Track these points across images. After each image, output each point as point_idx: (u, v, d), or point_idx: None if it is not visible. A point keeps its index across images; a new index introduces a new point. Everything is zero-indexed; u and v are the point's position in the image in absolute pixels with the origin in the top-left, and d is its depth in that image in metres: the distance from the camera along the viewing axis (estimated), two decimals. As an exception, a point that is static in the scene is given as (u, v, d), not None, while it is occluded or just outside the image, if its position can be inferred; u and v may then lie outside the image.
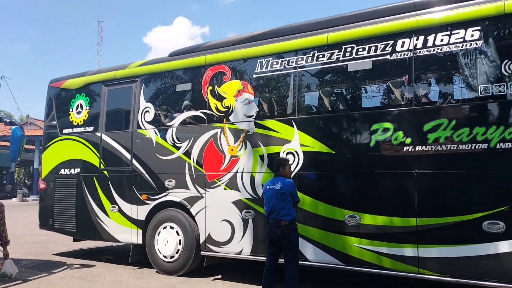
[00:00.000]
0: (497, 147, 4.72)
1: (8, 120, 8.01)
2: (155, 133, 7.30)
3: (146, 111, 7.49)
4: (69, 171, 8.20)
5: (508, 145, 4.67)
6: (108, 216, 7.65)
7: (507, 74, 4.77)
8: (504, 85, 4.77)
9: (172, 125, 7.18)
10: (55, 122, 8.59)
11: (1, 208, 6.40)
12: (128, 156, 7.54)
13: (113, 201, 7.61)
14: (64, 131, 8.43)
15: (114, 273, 7.09)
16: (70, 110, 8.40)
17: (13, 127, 7.60)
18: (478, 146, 4.82)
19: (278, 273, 5.30)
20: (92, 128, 8.05)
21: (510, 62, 4.76)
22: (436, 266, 5.01)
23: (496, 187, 4.75)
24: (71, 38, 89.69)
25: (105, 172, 7.78)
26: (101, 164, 7.83)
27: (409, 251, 5.15)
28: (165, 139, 7.16)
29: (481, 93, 4.90)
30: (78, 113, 8.28)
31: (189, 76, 7.23)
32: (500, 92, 4.79)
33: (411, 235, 5.15)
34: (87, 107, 8.20)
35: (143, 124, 7.47)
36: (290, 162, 5.85)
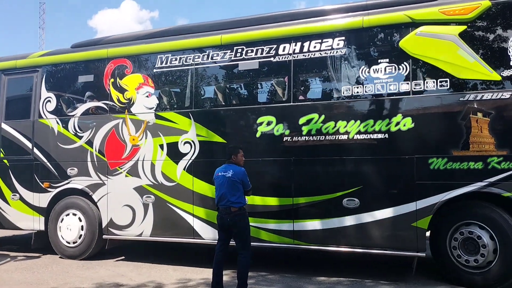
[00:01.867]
0: (354, 138, 5.75)
1: None
2: (57, 122, 7.45)
3: (47, 101, 7.58)
4: (-35, 160, 8.02)
5: (362, 136, 5.71)
6: (9, 204, 7.68)
7: (363, 78, 5.79)
8: (361, 86, 5.80)
9: (74, 115, 7.39)
10: None
11: None
12: (29, 145, 7.60)
13: (14, 190, 7.64)
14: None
15: (61, 264, 7.03)
16: (-35, 98, 8.17)
17: None
18: (340, 137, 5.81)
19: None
20: (-10, 116, 7.95)
21: (366, 67, 5.79)
22: (308, 237, 5.95)
23: (353, 171, 5.80)
24: (9, 19, 79.08)
25: (5, 161, 7.76)
26: (1, 153, 7.79)
27: (286, 225, 6.05)
28: (67, 129, 7.36)
29: (343, 93, 5.90)
30: (-26, 101, 8.10)
31: (92, 68, 7.46)
32: (358, 92, 5.81)
33: (288, 212, 6.05)
34: (-16, 95, 8.05)
35: (44, 114, 7.56)
36: (187, 151, 6.47)
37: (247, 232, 5.16)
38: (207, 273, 5.84)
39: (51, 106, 7.54)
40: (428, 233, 5.55)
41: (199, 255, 7.09)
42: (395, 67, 5.62)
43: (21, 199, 7.58)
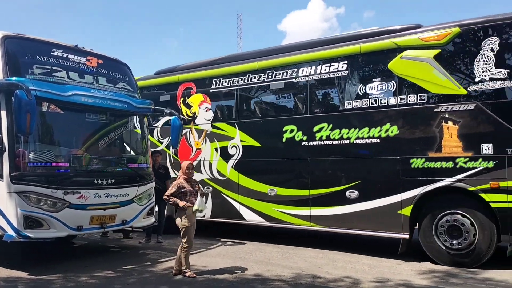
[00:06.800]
0: (355, 142, 7.19)
1: (168, 111, 8.10)
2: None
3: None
4: None
5: (360, 141, 7.12)
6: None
7: (361, 94, 7.18)
8: (359, 101, 7.20)
9: (157, 125, 9.84)
10: None
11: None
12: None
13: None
14: None
15: (263, 251, 7.63)
16: None
17: (172, 116, 7.88)
18: (344, 141, 7.29)
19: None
20: None
21: (363, 86, 7.17)
22: (321, 221, 7.56)
23: (353, 168, 7.24)
24: (212, 33, 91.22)
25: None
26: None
27: (305, 211, 7.72)
28: (152, 135, 9.84)
29: (346, 106, 7.36)
30: None
31: (169, 89, 9.77)
32: (357, 106, 7.22)
33: (306, 201, 7.70)
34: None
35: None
36: (234, 153, 8.49)
37: None
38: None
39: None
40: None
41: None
42: (385, 85, 6.93)
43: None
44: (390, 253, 6.92)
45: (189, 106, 9.36)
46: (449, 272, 6.04)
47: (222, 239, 8.65)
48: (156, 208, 8.25)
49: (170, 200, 5.94)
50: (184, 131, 9.31)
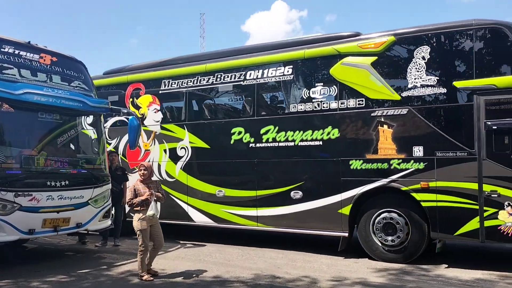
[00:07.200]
0: (299, 144, 7.44)
1: (125, 111, 8.02)
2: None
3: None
4: None
5: (304, 143, 7.38)
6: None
7: (305, 97, 7.44)
8: (303, 104, 7.46)
9: (105, 126, 9.68)
10: None
11: None
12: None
13: None
14: None
15: (223, 253, 7.65)
16: None
17: (130, 117, 7.71)
18: (289, 144, 7.53)
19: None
20: None
21: (307, 90, 7.43)
22: (267, 221, 7.76)
23: (298, 169, 7.49)
24: (175, 32, 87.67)
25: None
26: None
27: (252, 212, 7.90)
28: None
29: (291, 109, 7.61)
30: None
31: (117, 90, 9.70)
32: (301, 109, 7.48)
33: (253, 202, 7.88)
34: None
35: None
36: (183, 154, 8.52)
37: None
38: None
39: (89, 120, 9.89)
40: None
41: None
42: (327, 90, 7.23)
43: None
44: (332, 250, 7.24)
45: (137, 107, 9.30)
46: (403, 270, 6.29)
47: (181, 242, 8.61)
48: (113, 211, 8.08)
49: (134, 205, 5.88)
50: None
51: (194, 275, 6.11)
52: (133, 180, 7.15)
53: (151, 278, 5.85)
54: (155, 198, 5.92)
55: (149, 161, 9.02)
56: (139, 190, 5.98)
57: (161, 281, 5.81)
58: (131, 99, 9.41)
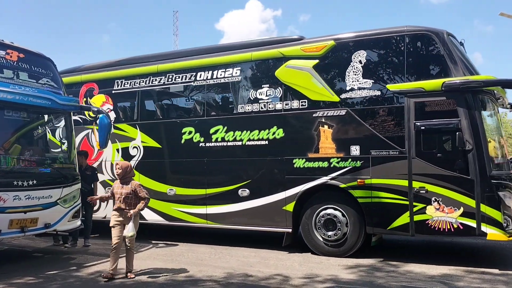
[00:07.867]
0: (247, 144, 7.68)
1: (96, 109, 7.86)
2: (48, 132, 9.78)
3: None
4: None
5: (251, 142, 7.63)
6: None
7: (252, 98, 7.69)
8: (250, 105, 7.70)
9: (59, 126, 9.68)
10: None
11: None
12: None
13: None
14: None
15: (195, 252, 7.63)
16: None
17: (101, 115, 7.55)
18: (237, 143, 7.75)
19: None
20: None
21: (254, 91, 7.68)
22: (216, 218, 7.96)
23: (245, 168, 7.73)
24: (148, 29, 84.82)
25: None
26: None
27: (202, 210, 8.08)
28: (54, 136, 9.67)
29: (239, 110, 7.84)
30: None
31: (71, 90, 9.68)
32: (248, 109, 7.73)
33: (203, 200, 8.07)
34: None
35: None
36: (135, 154, 8.61)
37: None
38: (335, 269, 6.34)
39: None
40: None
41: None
42: (273, 91, 7.51)
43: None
44: (280, 247, 7.50)
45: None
46: (373, 266, 6.46)
47: (153, 241, 8.55)
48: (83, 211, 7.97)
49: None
50: (85, 132, 9.33)
51: (166, 275, 6.04)
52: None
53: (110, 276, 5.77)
54: (132, 218, 5.79)
55: (101, 161, 9.11)
56: (113, 189, 6.03)
57: (132, 281, 5.72)
58: (84, 99, 9.42)
